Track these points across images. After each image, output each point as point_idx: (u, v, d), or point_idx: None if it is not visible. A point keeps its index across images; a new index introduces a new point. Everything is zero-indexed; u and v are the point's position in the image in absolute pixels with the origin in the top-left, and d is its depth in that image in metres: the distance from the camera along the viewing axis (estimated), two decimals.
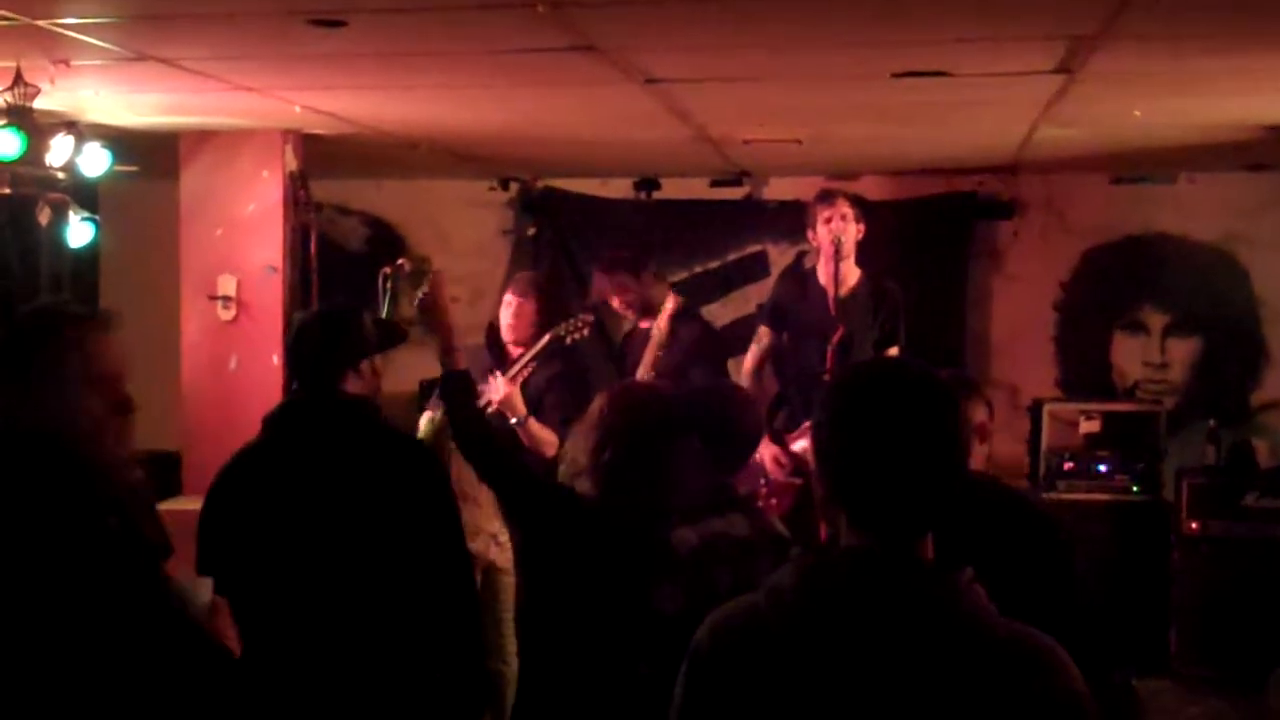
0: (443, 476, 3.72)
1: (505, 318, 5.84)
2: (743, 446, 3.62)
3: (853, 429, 1.99)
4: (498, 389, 5.41)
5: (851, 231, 5.86)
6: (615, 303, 6.38)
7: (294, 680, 3.37)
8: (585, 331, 5.76)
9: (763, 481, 5.58)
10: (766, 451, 5.76)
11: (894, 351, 5.94)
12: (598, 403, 3.70)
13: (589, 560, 3.51)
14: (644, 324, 6.33)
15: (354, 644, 3.40)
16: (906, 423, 1.96)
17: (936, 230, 8.19)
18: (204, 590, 2.74)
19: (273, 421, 3.60)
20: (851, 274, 5.91)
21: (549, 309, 5.86)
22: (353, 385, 3.56)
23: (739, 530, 3.40)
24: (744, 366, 6.16)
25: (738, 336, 7.55)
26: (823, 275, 5.96)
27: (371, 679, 3.40)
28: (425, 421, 4.49)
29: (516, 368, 5.60)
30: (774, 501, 5.47)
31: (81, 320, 2.62)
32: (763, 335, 6.17)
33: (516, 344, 5.76)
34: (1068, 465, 7.35)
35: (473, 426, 3.72)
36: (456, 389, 3.72)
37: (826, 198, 5.97)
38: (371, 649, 3.40)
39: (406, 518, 3.45)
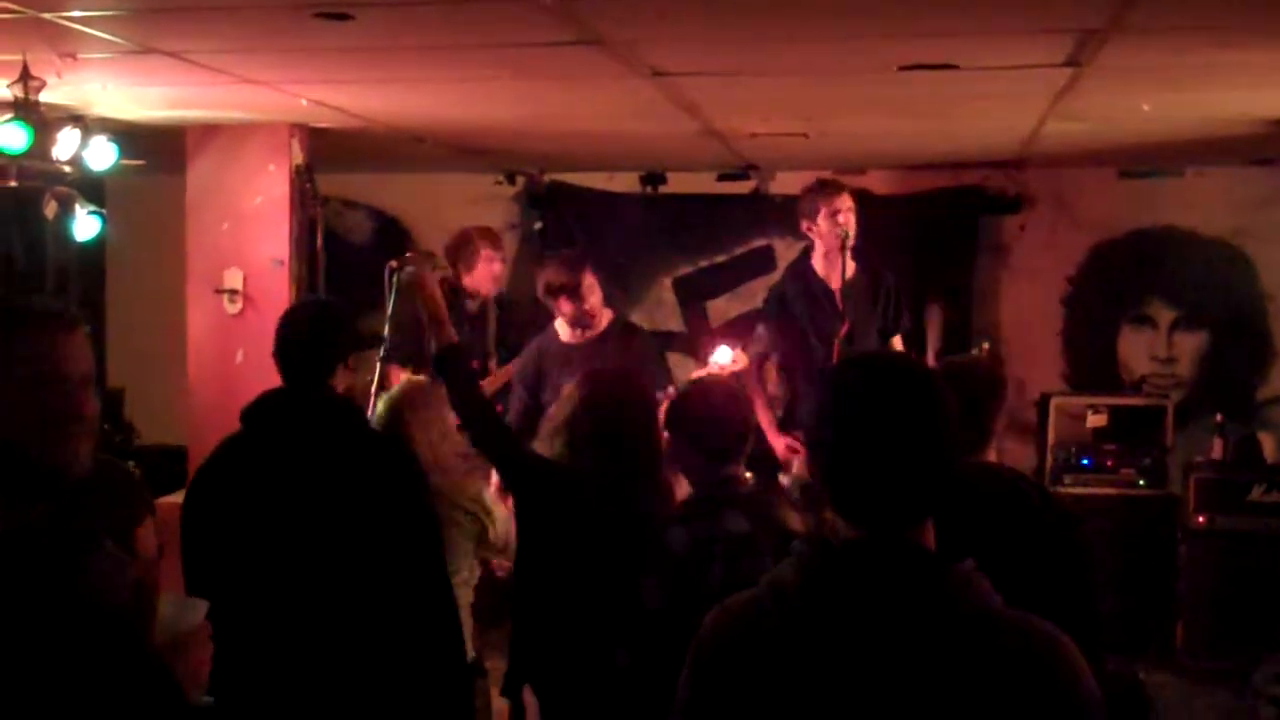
0: (421, 477, 3.69)
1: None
2: (733, 440, 3.61)
3: (837, 422, 2.00)
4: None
5: (854, 225, 5.84)
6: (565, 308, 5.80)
7: (273, 677, 3.36)
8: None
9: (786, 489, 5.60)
10: (779, 442, 5.80)
11: (898, 341, 5.93)
12: (569, 394, 3.77)
13: (580, 544, 3.58)
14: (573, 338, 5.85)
15: (333, 642, 3.37)
16: (888, 414, 1.96)
17: (943, 224, 8.18)
18: (193, 613, 2.59)
19: (253, 416, 3.52)
20: (848, 266, 5.89)
21: None
22: (341, 379, 3.53)
23: (736, 527, 3.41)
24: (745, 364, 6.13)
25: (744, 331, 7.56)
26: (823, 267, 5.93)
27: (351, 676, 3.37)
28: (383, 401, 4.50)
29: None
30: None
31: (34, 320, 2.34)
32: (762, 334, 6.13)
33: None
34: (1075, 459, 7.34)
35: (471, 397, 3.80)
36: (451, 361, 3.79)
37: (827, 188, 5.90)
38: (351, 646, 3.37)
39: (387, 518, 3.42)
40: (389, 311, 5.43)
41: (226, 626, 3.38)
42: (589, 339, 5.70)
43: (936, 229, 8.14)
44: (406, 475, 3.58)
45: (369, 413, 5.24)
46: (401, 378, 5.08)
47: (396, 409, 4.44)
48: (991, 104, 5.64)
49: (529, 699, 3.88)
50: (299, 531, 3.38)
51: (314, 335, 3.55)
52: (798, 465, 5.69)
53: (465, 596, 4.28)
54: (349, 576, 3.38)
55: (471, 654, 4.20)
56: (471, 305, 6.50)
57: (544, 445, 3.85)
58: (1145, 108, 5.57)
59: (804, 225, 5.94)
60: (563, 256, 5.94)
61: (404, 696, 3.41)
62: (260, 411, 3.52)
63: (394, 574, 3.42)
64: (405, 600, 3.43)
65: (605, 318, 5.78)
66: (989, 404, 3.44)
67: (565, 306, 5.65)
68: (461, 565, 4.31)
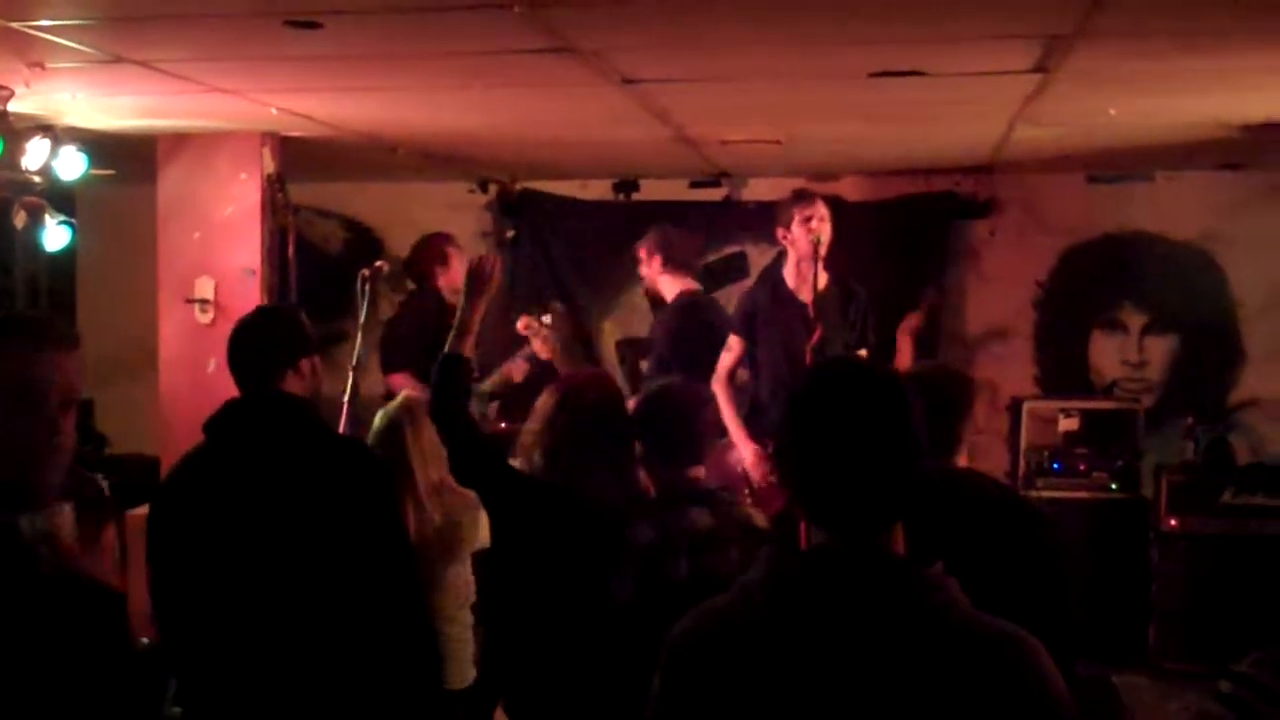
0: (385, 477, 3.65)
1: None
2: (695, 439, 3.64)
3: (804, 430, 2.01)
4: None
5: (828, 231, 5.86)
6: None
7: (241, 685, 3.34)
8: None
9: (747, 491, 5.62)
10: (747, 449, 5.82)
11: (863, 353, 5.95)
12: (544, 400, 3.77)
13: (554, 549, 3.59)
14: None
15: (300, 650, 3.34)
16: (854, 420, 1.97)
17: (915, 230, 8.20)
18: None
19: (214, 425, 3.48)
20: (820, 276, 5.91)
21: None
22: (292, 385, 3.47)
23: (700, 523, 3.44)
24: (716, 376, 6.15)
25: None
26: (795, 277, 5.95)
27: (319, 684, 3.34)
28: (380, 415, 4.48)
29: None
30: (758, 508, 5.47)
31: (19, 333, 2.35)
32: (734, 344, 6.15)
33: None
34: (1047, 463, 7.38)
35: (456, 411, 3.75)
36: (456, 372, 3.73)
37: (803, 198, 5.96)
38: (318, 654, 3.34)
39: (348, 520, 3.36)
40: (361, 319, 5.43)
41: (193, 639, 3.37)
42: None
43: (908, 234, 8.16)
44: (369, 474, 3.54)
45: (342, 422, 5.25)
46: (403, 389, 5.09)
47: (395, 424, 4.40)
48: (961, 110, 5.66)
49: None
50: (260, 539, 3.34)
51: (258, 341, 3.51)
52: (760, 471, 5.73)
53: (466, 618, 4.25)
54: (313, 584, 3.33)
55: (474, 673, 4.18)
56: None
57: (523, 455, 3.84)
58: (1112, 112, 5.60)
59: (780, 234, 6.01)
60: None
61: (373, 707, 3.38)
62: (219, 421, 3.49)
63: (360, 578, 3.37)
64: (371, 603, 3.37)
65: (672, 291, 6.64)
66: (959, 409, 3.45)
67: None
68: (463, 590, 4.29)
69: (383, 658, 3.36)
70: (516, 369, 6.83)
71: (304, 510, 3.35)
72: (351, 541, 3.35)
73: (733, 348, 6.15)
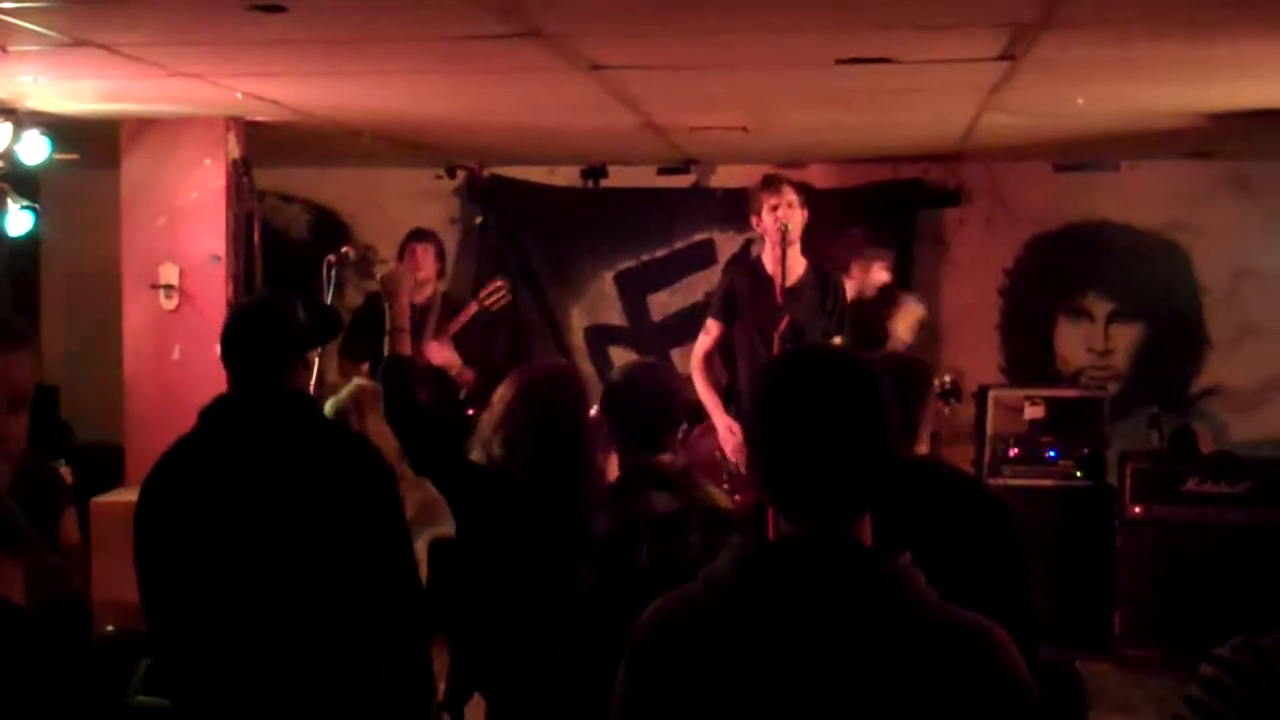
0: (389, 474, 3.59)
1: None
2: (661, 423, 3.63)
3: (774, 417, 1.99)
4: (439, 353, 6.55)
5: (798, 218, 5.86)
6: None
7: (233, 678, 3.31)
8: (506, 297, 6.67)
9: (725, 477, 5.62)
10: (722, 422, 5.84)
11: (838, 341, 5.95)
12: (504, 390, 3.77)
13: (516, 541, 3.59)
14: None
15: (296, 643, 3.30)
16: (824, 408, 1.95)
17: (882, 217, 8.21)
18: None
19: (211, 416, 3.37)
20: (798, 263, 5.92)
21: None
22: (293, 380, 3.37)
23: (661, 507, 3.44)
24: (693, 358, 6.16)
25: (685, 325, 7.61)
26: (770, 263, 5.96)
27: (314, 677, 3.31)
28: (329, 404, 4.47)
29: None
30: (738, 498, 5.46)
31: None
32: (711, 328, 6.16)
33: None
34: (1013, 451, 7.41)
35: (409, 408, 3.78)
36: (398, 371, 3.78)
37: (771, 184, 5.96)
38: (314, 648, 3.30)
39: (354, 516, 3.30)
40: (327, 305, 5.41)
41: (186, 632, 3.33)
42: None
43: (875, 221, 8.18)
44: (375, 471, 3.48)
45: None
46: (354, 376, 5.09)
47: (341, 414, 4.41)
48: (928, 98, 5.67)
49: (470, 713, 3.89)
50: (264, 534, 3.26)
51: (264, 333, 3.37)
52: (732, 447, 5.75)
53: None
54: (316, 580, 3.28)
55: None
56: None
57: (481, 445, 3.84)
58: (1079, 101, 5.62)
59: (753, 222, 6.03)
60: None
61: (368, 705, 3.35)
62: (216, 410, 3.38)
63: (363, 571, 3.33)
64: (375, 604, 3.32)
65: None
66: (917, 397, 3.45)
67: None
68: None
69: (381, 654, 3.33)
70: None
71: (313, 505, 3.26)
72: (360, 543, 3.29)
73: (710, 330, 6.18)
